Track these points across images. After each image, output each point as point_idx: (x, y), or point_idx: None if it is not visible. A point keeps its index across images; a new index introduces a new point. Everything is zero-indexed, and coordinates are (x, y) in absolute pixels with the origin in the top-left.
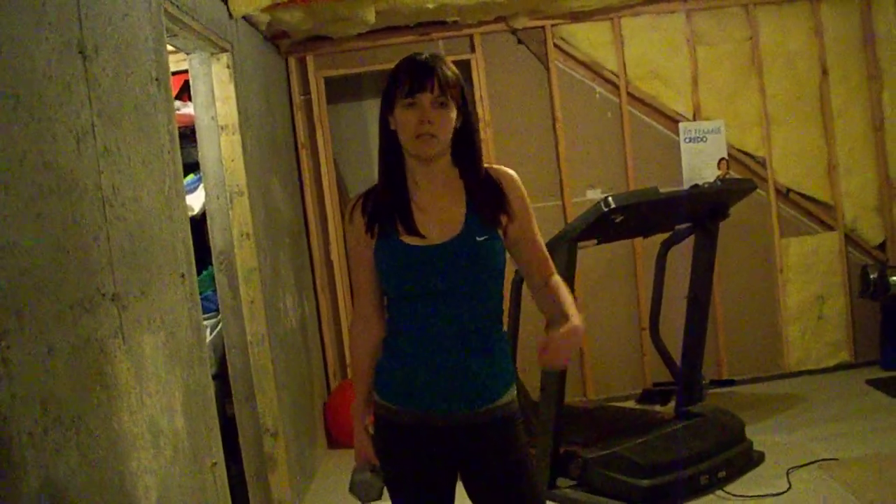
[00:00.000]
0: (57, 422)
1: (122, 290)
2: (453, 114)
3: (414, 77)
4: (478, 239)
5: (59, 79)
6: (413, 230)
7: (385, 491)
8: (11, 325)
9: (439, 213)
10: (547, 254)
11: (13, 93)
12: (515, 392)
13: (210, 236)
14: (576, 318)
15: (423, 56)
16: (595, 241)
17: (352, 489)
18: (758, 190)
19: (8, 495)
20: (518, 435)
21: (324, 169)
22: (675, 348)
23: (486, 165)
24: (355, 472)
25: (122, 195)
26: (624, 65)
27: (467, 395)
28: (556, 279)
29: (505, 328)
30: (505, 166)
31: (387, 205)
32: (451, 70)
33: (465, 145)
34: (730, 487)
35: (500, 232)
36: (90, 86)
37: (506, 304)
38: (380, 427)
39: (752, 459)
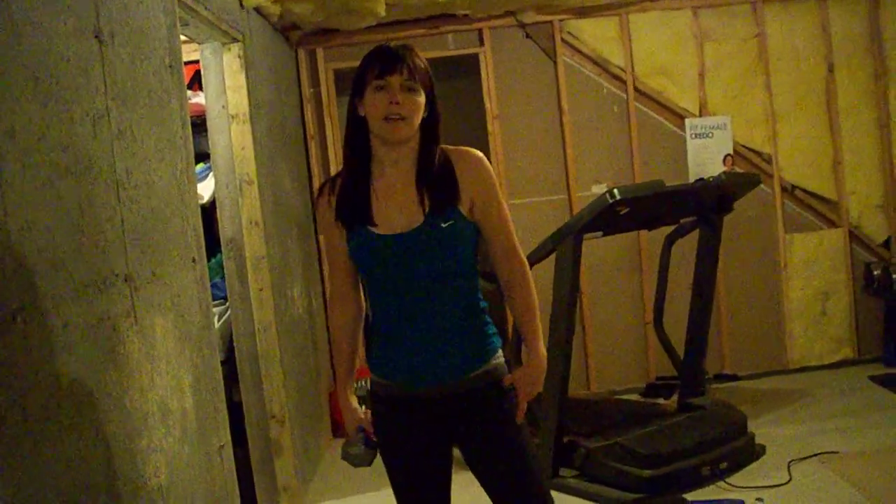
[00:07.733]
0: (71, 397)
1: (135, 272)
2: (422, 99)
3: (384, 61)
4: (442, 225)
5: (76, 62)
6: (373, 222)
7: (376, 458)
8: (28, 301)
9: (403, 201)
10: (515, 245)
11: (32, 75)
12: (501, 360)
13: (219, 224)
14: (535, 356)
15: (393, 44)
16: (601, 233)
17: (344, 457)
18: (762, 186)
19: (23, 468)
20: (504, 398)
21: (332, 161)
22: (679, 342)
23: (450, 147)
24: (346, 444)
25: (135, 179)
26: (631, 60)
27: (447, 368)
28: (523, 293)
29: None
30: (502, 158)
31: (350, 196)
32: (420, 60)
33: (430, 137)
34: (731, 479)
35: (467, 212)
36: (105, 70)
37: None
38: (375, 401)
39: (753, 452)
